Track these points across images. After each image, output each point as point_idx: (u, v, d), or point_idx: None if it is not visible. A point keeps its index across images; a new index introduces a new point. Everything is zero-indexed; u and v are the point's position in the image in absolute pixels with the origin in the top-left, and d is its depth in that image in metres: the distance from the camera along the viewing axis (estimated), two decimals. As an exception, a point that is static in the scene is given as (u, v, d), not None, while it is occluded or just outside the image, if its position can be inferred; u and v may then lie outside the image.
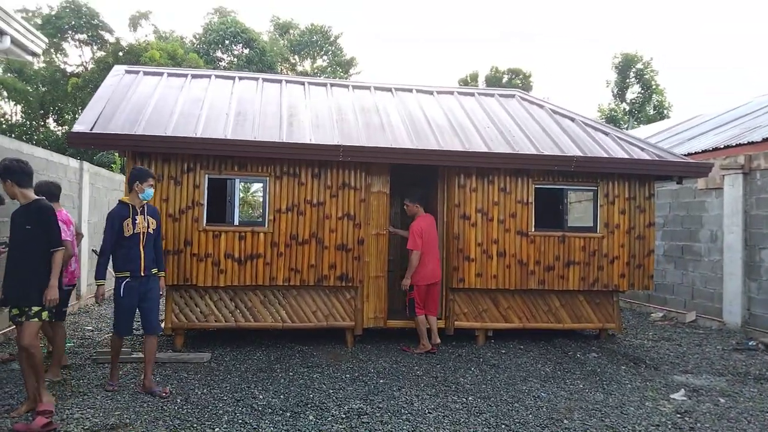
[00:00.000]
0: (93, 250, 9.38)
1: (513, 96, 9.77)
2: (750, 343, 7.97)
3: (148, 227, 5.40)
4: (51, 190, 5.96)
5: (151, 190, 5.49)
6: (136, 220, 5.31)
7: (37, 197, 4.79)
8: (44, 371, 4.96)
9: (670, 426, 4.83)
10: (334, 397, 5.33)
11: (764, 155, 8.72)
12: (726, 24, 73.02)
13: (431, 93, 9.40)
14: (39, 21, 27.39)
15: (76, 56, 47.02)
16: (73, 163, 9.78)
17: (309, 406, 5.08)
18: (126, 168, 7.11)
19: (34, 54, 7.44)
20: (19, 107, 28.18)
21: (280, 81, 9.13)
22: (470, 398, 5.43)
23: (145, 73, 8.66)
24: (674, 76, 62.27)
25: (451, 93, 9.58)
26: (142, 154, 6.93)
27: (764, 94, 14.57)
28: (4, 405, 4.88)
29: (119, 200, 5.49)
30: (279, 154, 7.03)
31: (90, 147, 8.06)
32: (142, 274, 5.33)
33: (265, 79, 9.08)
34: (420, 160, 7.36)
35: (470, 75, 41.51)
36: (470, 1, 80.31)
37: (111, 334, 5.82)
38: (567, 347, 7.65)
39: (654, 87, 34.05)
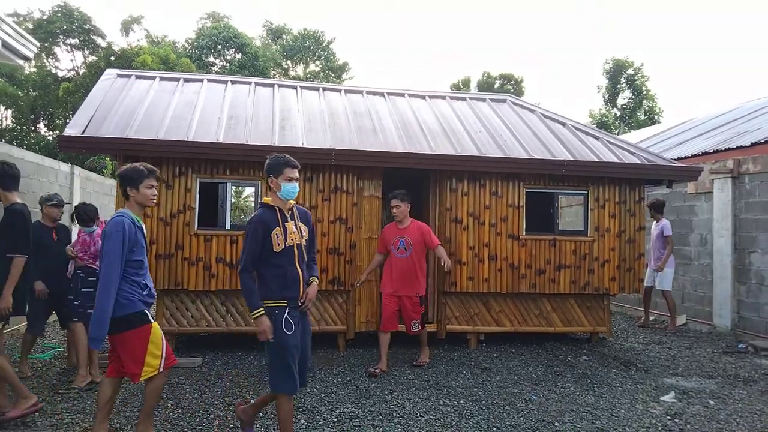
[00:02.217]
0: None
1: (504, 101, 9.82)
2: (740, 346, 8.02)
3: (302, 237, 4.08)
4: (82, 215, 6.01)
5: (294, 186, 4.01)
6: (286, 228, 3.96)
7: (15, 201, 4.77)
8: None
9: (660, 428, 4.86)
10: (325, 401, 5.32)
11: (753, 159, 8.81)
12: (717, 29, 73.68)
13: (423, 97, 9.43)
14: (30, 25, 27.32)
15: (67, 61, 46.90)
16: (64, 167, 9.74)
17: (300, 410, 5.07)
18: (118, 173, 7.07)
19: (25, 58, 7.41)
20: (9, 112, 28.05)
21: (272, 85, 9.13)
22: (462, 401, 5.44)
23: (137, 77, 8.64)
24: (665, 80, 62.77)
25: (443, 97, 9.62)
26: (134, 158, 6.88)
27: (753, 99, 14.73)
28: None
29: (262, 202, 4.11)
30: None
31: (81, 151, 8.04)
32: (302, 301, 4.00)
33: (257, 83, 9.08)
34: (412, 163, 7.38)
35: (462, 80, 41.71)
36: (462, 8, 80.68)
37: (272, 396, 4.11)
38: (558, 350, 7.67)
39: (645, 92, 34.31)
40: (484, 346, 7.81)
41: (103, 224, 5.83)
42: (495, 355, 7.37)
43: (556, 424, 4.90)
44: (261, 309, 3.81)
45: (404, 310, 6.56)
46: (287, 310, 3.87)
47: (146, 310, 4.00)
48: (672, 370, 6.82)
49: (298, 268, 3.97)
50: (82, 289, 5.79)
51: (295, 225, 4.01)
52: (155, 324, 4.04)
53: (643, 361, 7.26)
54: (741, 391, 6.03)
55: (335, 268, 7.25)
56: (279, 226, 3.92)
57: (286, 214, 4.00)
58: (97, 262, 5.68)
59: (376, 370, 6.25)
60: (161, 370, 4.01)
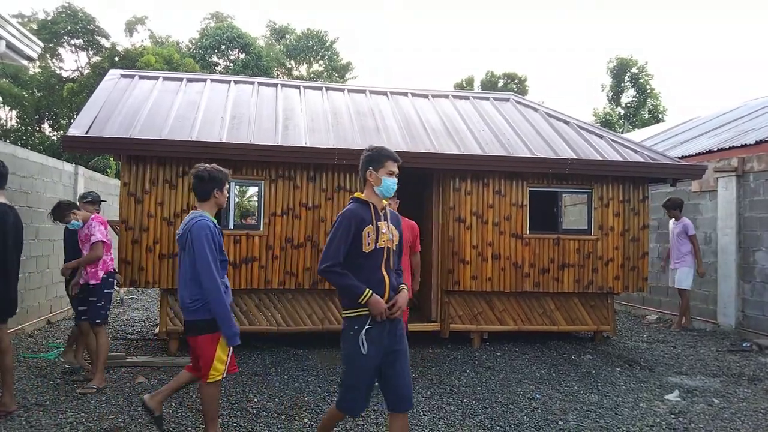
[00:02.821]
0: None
1: (508, 99, 9.81)
2: (744, 345, 7.99)
3: (393, 241, 3.64)
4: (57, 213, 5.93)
5: (395, 181, 3.64)
6: (378, 228, 3.54)
7: (1, 201, 4.78)
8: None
9: (664, 426, 4.84)
10: (329, 400, 5.32)
11: (757, 158, 8.77)
12: (722, 27, 73.41)
13: (426, 96, 9.43)
14: (35, 26, 27.40)
15: (71, 61, 47.02)
16: (68, 167, 9.77)
17: (304, 408, 5.07)
18: (121, 172, 7.10)
19: (29, 58, 7.43)
20: (14, 112, 28.16)
21: (275, 85, 9.15)
22: (465, 400, 5.43)
23: (141, 77, 8.67)
24: (670, 78, 62.54)
25: (446, 96, 9.62)
26: (138, 158, 6.93)
27: (757, 97, 14.67)
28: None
29: (354, 197, 3.70)
30: (274, 157, 7.04)
31: (85, 151, 8.08)
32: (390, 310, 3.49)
33: (260, 83, 9.10)
34: (415, 162, 7.37)
35: (466, 80, 41.73)
36: (466, 7, 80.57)
37: (331, 406, 3.80)
38: (562, 349, 7.66)
39: (649, 91, 34.23)
40: (488, 345, 7.80)
41: (96, 217, 5.80)
42: (498, 354, 7.37)
43: (560, 422, 4.89)
44: (367, 290, 3.40)
45: None
46: (367, 326, 3.42)
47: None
48: (676, 369, 6.80)
49: (385, 274, 3.53)
50: (105, 291, 5.77)
51: (387, 226, 3.60)
52: None
53: (647, 359, 7.24)
54: (745, 389, 6.01)
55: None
56: (372, 225, 3.51)
57: (380, 213, 3.61)
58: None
59: None
60: (224, 375, 4.03)
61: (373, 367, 3.44)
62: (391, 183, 3.60)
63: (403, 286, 3.66)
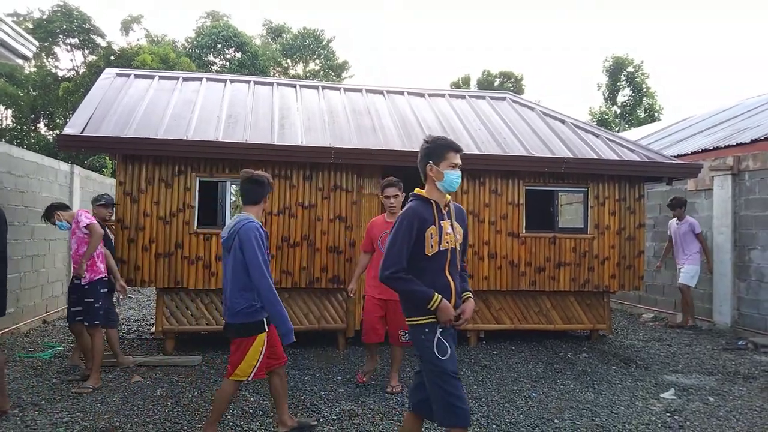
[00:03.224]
0: None
1: (504, 98, 9.82)
2: (739, 343, 8.02)
3: (456, 240, 3.37)
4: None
5: (459, 174, 3.35)
6: (441, 228, 3.28)
7: None
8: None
9: (659, 425, 4.86)
10: (325, 399, 5.33)
11: (753, 156, 8.80)
12: (717, 26, 73.61)
13: (423, 95, 9.43)
14: (30, 25, 27.32)
15: (67, 60, 46.91)
16: (64, 166, 9.74)
17: (300, 407, 5.07)
18: (117, 171, 7.09)
19: (24, 57, 7.41)
20: (9, 111, 28.07)
21: (271, 84, 9.13)
22: (461, 399, 5.43)
23: (136, 76, 8.64)
24: (666, 77, 62.70)
25: (443, 95, 9.62)
26: (133, 157, 6.91)
27: (753, 95, 14.71)
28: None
29: (413, 193, 3.41)
30: (270, 156, 7.03)
31: (80, 150, 8.06)
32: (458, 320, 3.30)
33: (256, 82, 9.08)
34: (411, 161, 7.25)
35: (462, 78, 41.77)
36: (463, 6, 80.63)
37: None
38: (558, 348, 7.67)
39: (645, 90, 34.30)
40: (484, 343, 7.81)
41: (85, 215, 5.77)
42: (495, 352, 7.38)
43: (556, 421, 4.90)
44: (437, 295, 3.16)
45: (391, 317, 5.53)
46: (438, 329, 3.21)
47: (264, 319, 4.08)
48: (672, 367, 6.82)
49: (449, 277, 3.29)
50: (101, 290, 5.76)
51: (451, 225, 3.33)
52: (261, 336, 4.09)
53: (643, 358, 7.26)
54: (741, 387, 6.03)
55: (335, 266, 7.25)
56: (434, 225, 3.25)
57: (443, 210, 3.34)
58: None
59: (364, 377, 5.75)
60: (249, 379, 4.11)
61: (456, 371, 3.20)
62: (455, 176, 3.31)
63: (468, 293, 3.42)
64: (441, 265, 3.26)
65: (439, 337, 3.20)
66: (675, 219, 9.38)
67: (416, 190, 3.39)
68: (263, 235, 4.05)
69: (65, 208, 6.02)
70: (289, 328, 3.95)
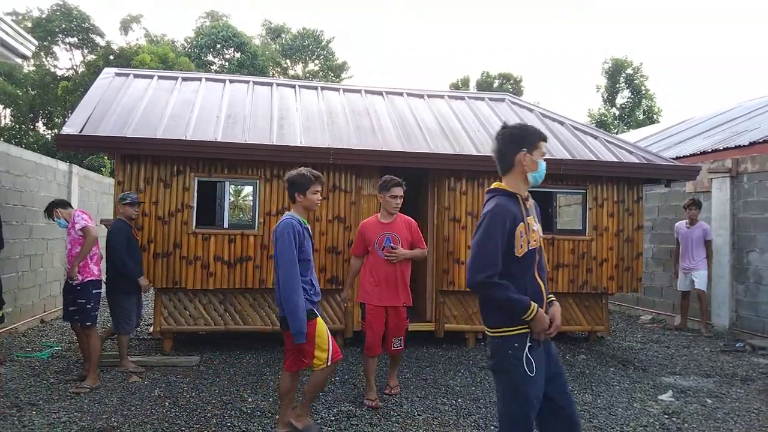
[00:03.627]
0: None
1: (503, 100, 9.83)
2: (737, 345, 8.03)
3: (541, 238, 3.08)
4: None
5: (543, 166, 3.01)
6: (529, 225, 2.94)
7: None
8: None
9: (657, 426, 4.86)
10: (323, 400, 5.32)
11: (751, 159, 8.81)
12: (717, 26, 73.73)
13: (422, 96, 9.43)
14: (29, 24, 27.29)
15: (66, 60, 46.89)
16: (62, 166, 9.73)
17: (298, 408, 5.05)
18: (115, 171, 7.08)
19: (23, 56, 7.40)
20: (8, 111, 28.02)
21: (271, 84, 9.13)
22: (460, 400, 5.44)
23: (136, 76, 8.64)
24: (665, 79, 62.78)
25: (442, 96, 9.62)
26: (132, 157, 6.91)
27: (752, 98, 14.74)
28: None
29: (495, 188, 3.02)
30: (269, 156, 7.03)
31: (79, 149, 8.04)
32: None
33: (255, 82, 9.08)
34: (410, 162, 7.38)
35: (461, 80, 41.78)
36: (462, 8, 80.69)
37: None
38: (556, 349, 7.65)
39: (644, 92, 34.36)
40: (483, 345, 7.81)
41: (82, 216, 5.76)
42: (493, 354, 7.36)
43: (554, 422, 4.89)
44: (533, 304, 2.80)
45: (393, 325, 5.32)
46: (528, 343, 2.84)
47: (313, 308, 4.18)
48: (670, 369, 6.83)
49: (540, 281, 2.96)
50: (93, 291, 5.74)
51: (535, 221, 3.03)
52: (320, 320, 4.22)
53: (641, 360, 7.26)
54: (738, 389, 6.04)
55: (333, 267, 7.25)
56: (523, 221, 2.89)
57: (526, 205, 2.99)
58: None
59: (374, 403, 5.16)
60: (329, 363, 4.23)
61: (539, 396, 2.85)
62: (545, 167, 3.00)
63: (551, 296, 3.10)
64: (531, 267, 2.92)
65: (527, 353, 2.82)
66: (684, 222, 9.15)
67: (495, 184, 3.02)
68: (299, 232, 4.13)
69: (66, 205, 6.01)
70: (300, 328, 4.02)
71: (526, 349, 2.82)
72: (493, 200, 2.95)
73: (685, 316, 9.38)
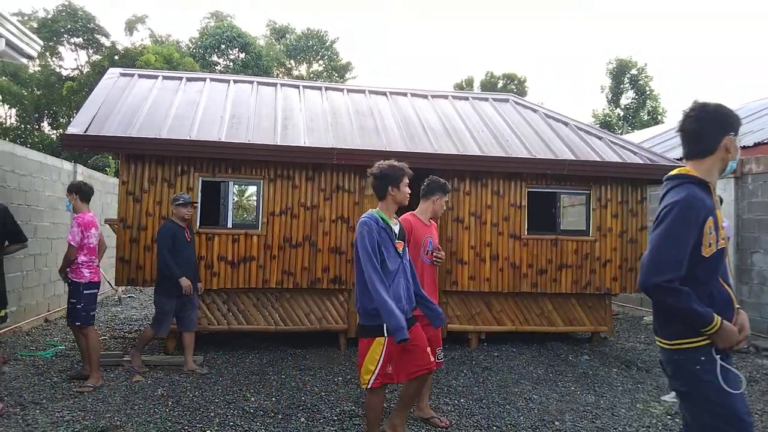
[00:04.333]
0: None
1: (507, 100, 9.82)
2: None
3: (728, 237, 2.84)
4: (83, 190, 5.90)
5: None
6: (717, 220, 2.51)
7: None
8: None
9: (660, 427, 4.85)
10: (326, 400, 5.33)
11: (756, 160, 8.78)
12: (722, 26, 73.51)
13: (426, 97, 9.44)
14: (35, 24, 27.36)
15: (71, 60, 46.95)
16: (67, 165, 9.77)
17: (301, 408, 5.07)
18: (120, 171, 7.11)
19: (29, 57, 7.43)
20: (13, 111, 28.11)
21: (275, 84, 9.15)
22: (462, 400, 5.44)
23: (140, 76, 8.67)
24: (670, 80, 62.62)
25: (446, 97, 9.62)
26: (136, 157, 6.93)
27: (757, 99, 14.68)
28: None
29: (679, 174, 2.59)
30: (273, 156, 7.05)
31: (84, 149, 8.08)
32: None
33: (260, 82, 9.11)
34: (414, 163, 7.24)
35: (465, 80, 41.72)
36: (466, 8, 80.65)
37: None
38: (559, 350, 7.66)
39: (648, 92, 34.26)
40: (485, 345, 7.81)
41: (78, 217, 5.74)
42: (496, 354, 7.37)
43: (557, 423, 4.89)
44: (717, 318, 2.36)
45: (428, 335, 4.41)
46: (717, 355, 2.40)
47: (385, 325, 3.70)
48: (673, 371, 6.80)
49: (726, 285, 2.54)
50: (84, 292, 5.71)
51: (723, 216, 2.70)
52: (380, 339, 3.76)
53: (644, 360, 7.25)
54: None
55: (336, 267, 7.26)
56: (714, 216, 2.48)
57: (715, 197, 2.58)
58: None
59: None
60: (369, 386, 3.82)
61: (749, 413, 2.43)
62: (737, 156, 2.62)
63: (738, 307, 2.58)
64: (717, 270, 2.50)
65: (722, 364, 2.39)
66: None
67: (682, 170, 2.58)
68: (376, 230, 3.78)
69: (80, 191, 5.86)
70: (395, 325, 3.58)
71: (718, 360, 2.39)
72: (682, 188, 2.48)
73: None
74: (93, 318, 5.76)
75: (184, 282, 6.04)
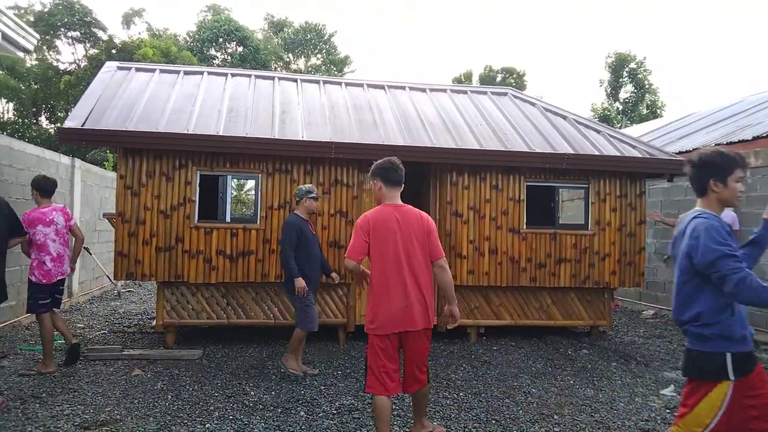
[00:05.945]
0: (85, 248, 9.36)
1: (505, 94, 9.80)
2: (740, 340, 8.00)
3: None
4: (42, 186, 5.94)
5: None
6: None
7: None
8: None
9: (659, 421, 4.86)
10: (325, 393, 5.34)
11: (755, 153, 8.78)
12: (722, 22, 73.39)
13: (424, 90, 9.41)
14: (31, 18, 27.24)
15: (68, 54, 46.80)
16: (65, 160, 9.74)
17: (300, 402, 5.08)
18: (117, 165, 7.09)
19: (25, 50, 7.40)
20: (11, 105, 28.03)
21: (272, 78, 9.12)
22: (461, 394, 5.44)
23: (137, 70, 8.63)
24: (669, 74, 62.54)
25: (444, 91, 9.60)
26: (134, 151, 6.91)
27: (756, 92, 14.67)
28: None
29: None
30: (271, 150, 7.03)
31: (81, 143, 8.05)
32: None
33: (257, 76, 9.07)
34: (412, 157, 7.34)
35: (464, 74, 41.64)
36: (465, 2, 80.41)
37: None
38: (558, 344, 7.68)
39: (647, 86, 34.23)
40: (484, 339, 7.82)
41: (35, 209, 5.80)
42: (495, 348, 7.38)
43: (556, 417, 4.90)
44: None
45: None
46: None
47: (737, 358, 2.72)
48: (672, 364, 6.82)
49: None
50: (33, 282, 5.83)
51: None
52: (727, 384, 2.72)
53: (643, 354, 7.26)
54: (740, 384, 6.03)
55: (335, 260, 7.25)
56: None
57: None
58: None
59: None
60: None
61: None
62: None
63: None
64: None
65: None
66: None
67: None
68: (725, 234, 2.83)
69: (38, 186, 5.91)
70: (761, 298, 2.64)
71: None
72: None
73: None
74: (43, 306, 5.81)
75: (299, 283, 5.68)
